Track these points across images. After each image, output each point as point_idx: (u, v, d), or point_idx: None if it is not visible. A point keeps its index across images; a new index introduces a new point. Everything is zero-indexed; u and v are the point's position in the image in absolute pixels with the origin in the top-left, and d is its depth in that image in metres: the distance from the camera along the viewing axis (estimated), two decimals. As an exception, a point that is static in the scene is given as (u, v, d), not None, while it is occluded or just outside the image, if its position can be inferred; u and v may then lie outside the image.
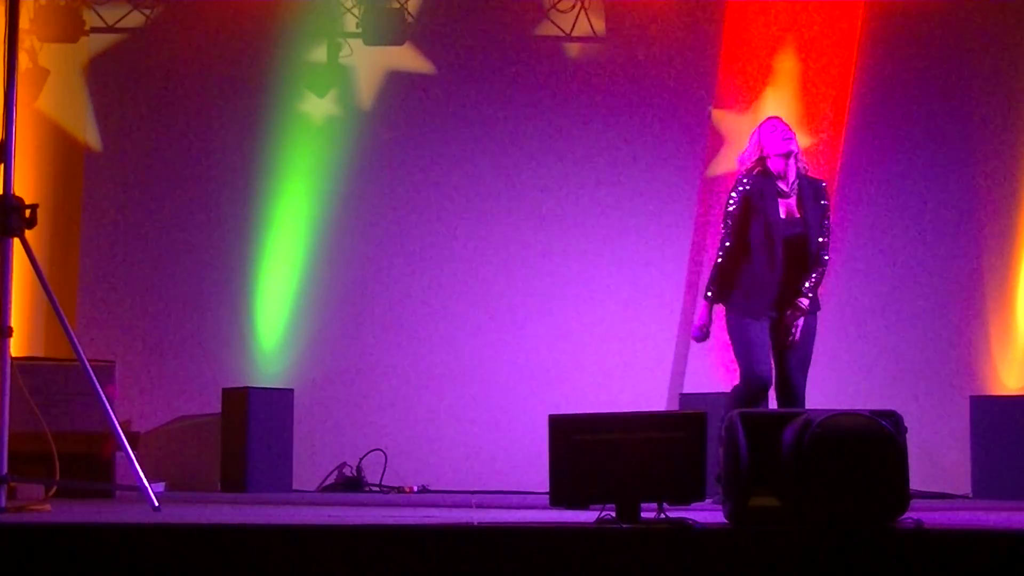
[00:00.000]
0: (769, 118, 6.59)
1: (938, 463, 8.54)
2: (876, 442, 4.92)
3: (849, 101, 9.14)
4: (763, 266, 6.35)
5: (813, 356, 6.46)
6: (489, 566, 4.54)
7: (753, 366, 6.30)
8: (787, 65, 9.21)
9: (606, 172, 9.32)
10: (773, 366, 6.38)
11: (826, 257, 6.39)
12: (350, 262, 9.34)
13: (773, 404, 6.44)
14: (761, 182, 6.38)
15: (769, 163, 6.39)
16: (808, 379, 6.44)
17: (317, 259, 9.32)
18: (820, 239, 6.36)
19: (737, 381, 6.42)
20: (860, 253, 9.06)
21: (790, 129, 6.45)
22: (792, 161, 6.36)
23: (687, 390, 8.89)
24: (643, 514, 5.03)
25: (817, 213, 6.38)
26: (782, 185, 6.35)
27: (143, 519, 5.03)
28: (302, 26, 9.36)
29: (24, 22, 8.73)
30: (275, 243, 9.33)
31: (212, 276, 9.30)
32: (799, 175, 6.40)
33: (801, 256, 6.34)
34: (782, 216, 6.35)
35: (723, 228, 6.43)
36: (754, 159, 6.44)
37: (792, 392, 6.36)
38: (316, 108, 9.42)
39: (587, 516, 5.06)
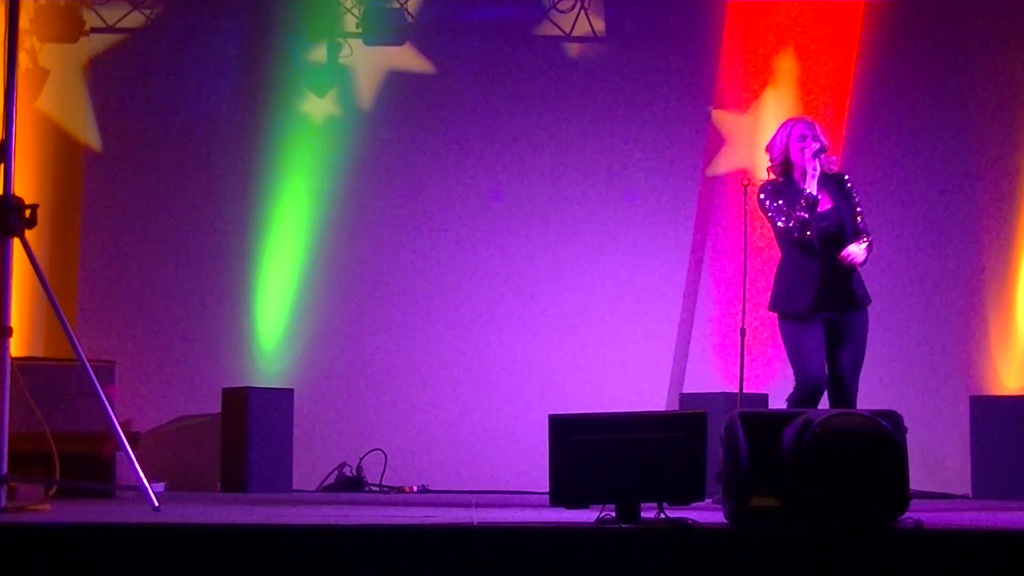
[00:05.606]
0: (798, 121, 6.50)
1: (938, 463, 8.54)
2: (876, 442, 4.93)
3: (848, 101, 9.14)
4: (802, 259, 6.35)
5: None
6: (489, 566, 4.54)
7: (807, 372, 6.28)
8: (787, 65, 9.21)
9: (606, 172, 9.32)
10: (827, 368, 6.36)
11: (868, 237, 6.33)
12: (350, 262, 9.34)
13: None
14: (783, 189, 6.38)
15: (794, 172, 6.39)
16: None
17: (317, 259, 9.32)
18: (856, 229, 6.33)
19: (793, 388, 6.39)
20: (860, 253, 9.04)
21: (816, 139, 6.37)
22: (815, 164, 6.31)
23: (687, 390, 8.89)
24: (643, 514, 5.03)
25: (847, 206, 6.37)
26: (805, 187, 6.29)
27: (143, 519, 5.02)
28: (302, 26, 9.36)
29: (24, 22, 8.72)
30: (275, 243, 9.32)
31: (212, 276, 9.29)
32: (821, 174, 6.33)
33: (838, 248, 6.30)
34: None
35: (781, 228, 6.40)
36: (779, 162, 6.44)
37: (845, 392, 6.33)
38: (316, 108, 9.42)
39: (587, 516, 5.06)
